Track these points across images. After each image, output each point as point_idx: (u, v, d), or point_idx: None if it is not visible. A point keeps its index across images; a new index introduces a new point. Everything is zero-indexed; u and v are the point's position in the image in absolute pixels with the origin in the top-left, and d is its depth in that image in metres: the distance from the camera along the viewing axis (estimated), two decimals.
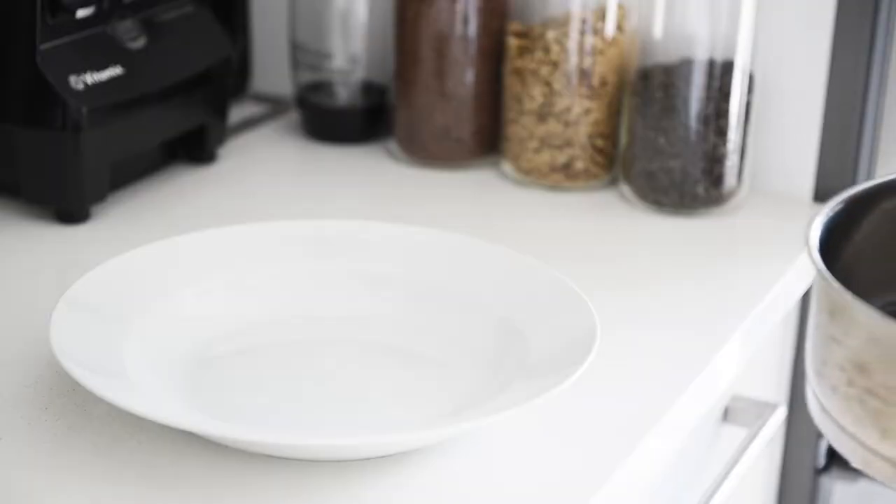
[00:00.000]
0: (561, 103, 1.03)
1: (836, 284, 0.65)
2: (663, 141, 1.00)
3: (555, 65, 1.02)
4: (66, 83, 0.93)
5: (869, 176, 1.04)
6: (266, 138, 1.16)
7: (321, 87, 1.14)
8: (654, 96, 1.00)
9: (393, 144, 1.11)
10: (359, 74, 1.13)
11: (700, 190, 1.01)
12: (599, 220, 1.02)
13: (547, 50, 1.02)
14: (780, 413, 0.95)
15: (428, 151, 1.10)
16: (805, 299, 1.08)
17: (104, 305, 0.78)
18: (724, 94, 0.99)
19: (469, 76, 1.07)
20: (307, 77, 1.15)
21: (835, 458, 1.12)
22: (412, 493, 0.68)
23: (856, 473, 1.11)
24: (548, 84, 1.03)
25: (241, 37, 1.20)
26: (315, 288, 0.84)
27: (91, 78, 0.95)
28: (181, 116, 1.03)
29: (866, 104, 1.02)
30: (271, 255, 0.84)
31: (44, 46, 0.93)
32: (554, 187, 1.06)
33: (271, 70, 1.23)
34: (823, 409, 0.68)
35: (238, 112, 1.19)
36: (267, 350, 0.79)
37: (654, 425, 0.74)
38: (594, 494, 0.68)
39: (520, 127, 1.05)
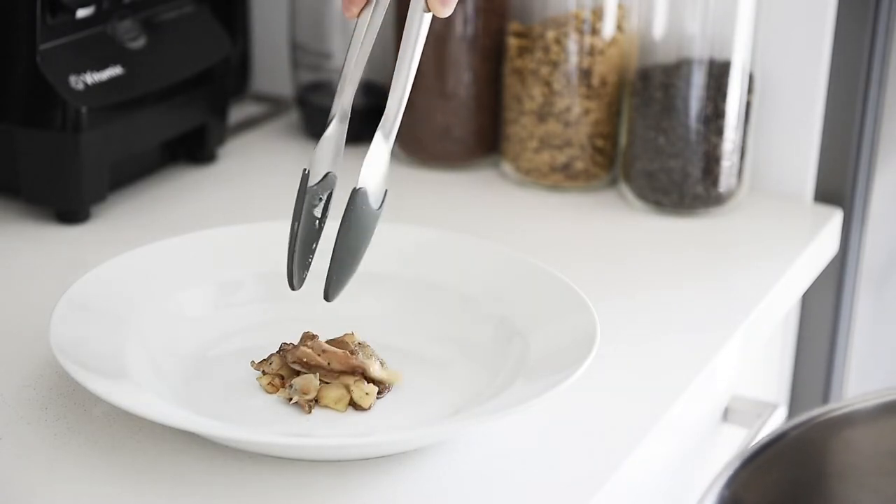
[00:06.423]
0: (561, 103, 1.03)
1: None
2: (663, 141, 1.00)
3: (555, 65, 1.02)
4: (66, 83, 0.93)
5: (869, 176, 1.04)
6: (266, 138, 1.16)
7: (321, 87, 1.14)
8: (653, 96, 1.00)
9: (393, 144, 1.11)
10: None
11: (700, 190, 1.01)
12: (599, 220, 1.02)
13: (547, 50, 1.02)
14: (780, 413, 0.95)
15: (428, 151, 1.09)
16: (805, 299, 1.08)
17: (104, 305, 0.78)
18: (723, 94, 0.99)
19: (469, 76, 1.07)
20: (307, 77, 1.15)
21: None
22: (412, 493, 0.68)
23: None
24: (548, 84, 1.03)
25: (241, 37, 1.20)
26: (315, 288, 0.84)
27: (91, 78, 0.95)
28: (181, 116, 1.03)
29: (866, 104, 1.02)
30: (270, 256, 0.83)
31: (44, 46, 0.93)
32: (554, 187, 1.06)
33: (271, 70, 1.23)
34: None
35: (238, 112, 1.19)
36: (266, 350, 0.79)
37: (655, 425, 0.74)
38: (594, 494, 0.68)
39: (519, 127, 1.05)
